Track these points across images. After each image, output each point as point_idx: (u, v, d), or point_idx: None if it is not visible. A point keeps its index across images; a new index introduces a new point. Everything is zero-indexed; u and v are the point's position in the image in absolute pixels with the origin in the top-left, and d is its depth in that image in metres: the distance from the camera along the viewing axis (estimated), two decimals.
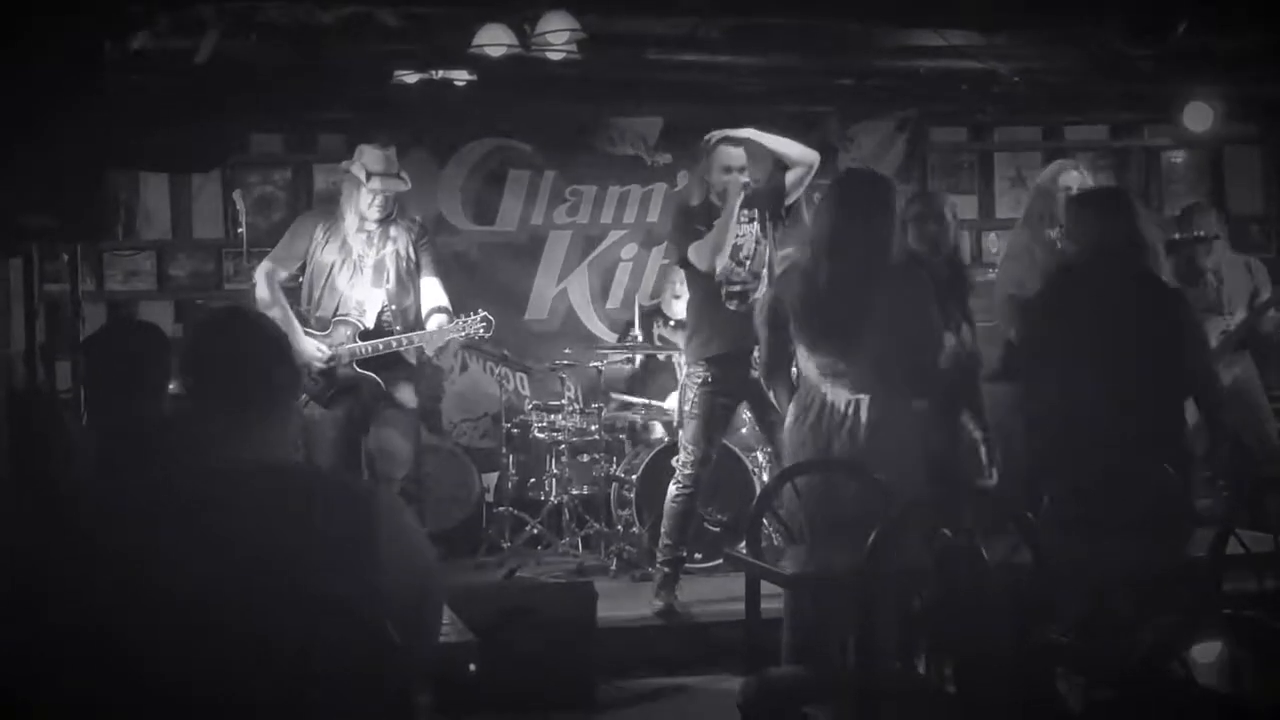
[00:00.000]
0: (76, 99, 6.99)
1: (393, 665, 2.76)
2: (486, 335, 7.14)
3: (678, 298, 8.88)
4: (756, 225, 7.31)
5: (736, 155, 7.28)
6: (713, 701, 6.43)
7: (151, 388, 4.26)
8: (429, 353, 7.16)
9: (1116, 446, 5.11)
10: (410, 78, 8.59)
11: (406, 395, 7.22)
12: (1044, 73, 9.04)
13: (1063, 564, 4.09)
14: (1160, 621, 3.01)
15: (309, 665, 2.67)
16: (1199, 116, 9.59)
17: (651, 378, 9.39)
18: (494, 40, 7.55)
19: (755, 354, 6.71)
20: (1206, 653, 2.89)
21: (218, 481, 2.79)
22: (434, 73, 8.52)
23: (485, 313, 7.11)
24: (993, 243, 10.29)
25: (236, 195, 7.91)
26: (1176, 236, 8.15)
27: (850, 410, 5.49)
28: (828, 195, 5.77)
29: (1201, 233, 8.27)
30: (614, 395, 9.31)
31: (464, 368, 9.94)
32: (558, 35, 7.42)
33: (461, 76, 8.55)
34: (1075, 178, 7.23)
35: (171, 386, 4.33)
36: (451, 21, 7.81)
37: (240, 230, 7.63)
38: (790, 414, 5.73)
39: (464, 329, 7.06)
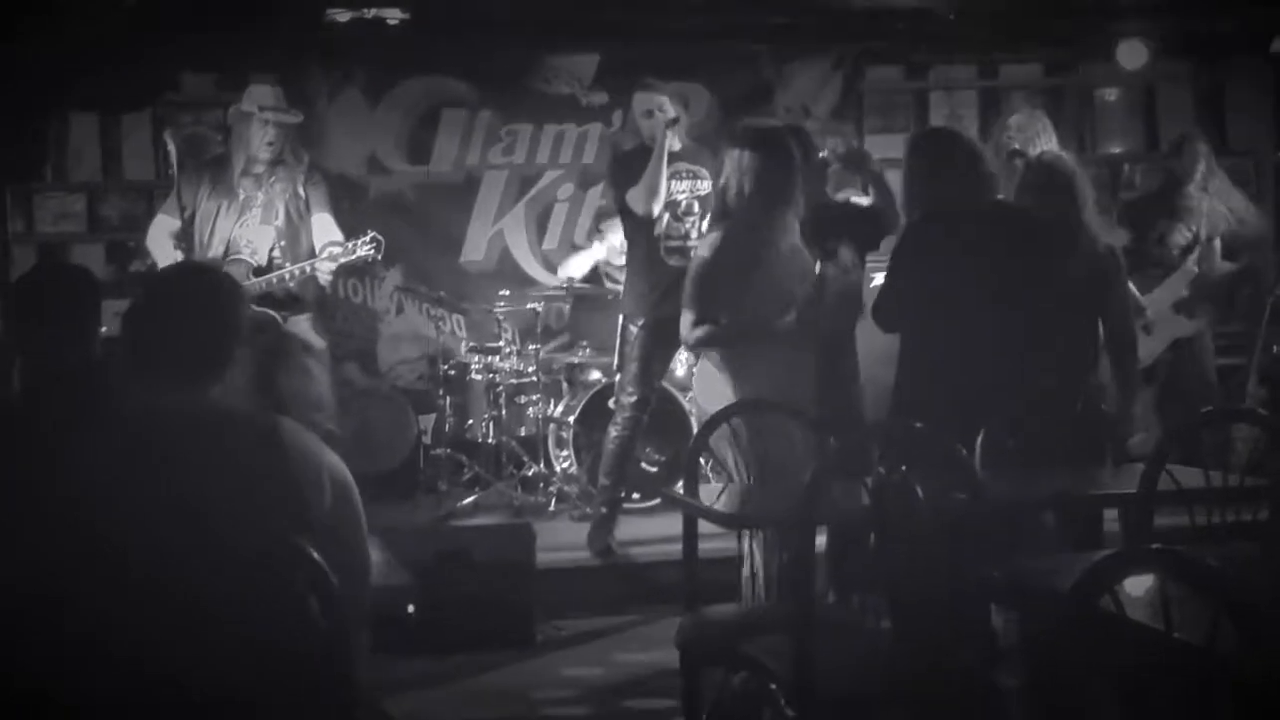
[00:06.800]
0: (2, 40, 6.90)
1: (330, 604, 2.75)
2: (378, 256, 7.04)
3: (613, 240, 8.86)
4: (698, 181, 7.31)
5: (653, 99, 7.30)
6: (651, 640, 6.46)
7: (81, 330, 4.21)
8: (323, 280, 7.05)
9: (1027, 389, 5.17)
10: (342, 16, 8.49)
11: (308, 333, 7.12)
12: (979, 10, 9.04)
13: (996, 499, 4.13)
14: (1092, 556, 3.04)
15: (240, 609, 2.67)
16: (1133, 54, 9.64)
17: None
18: None
19: None
20: (1137, 586, 2.92)
21: (145, 427, 2.78)
22: (366, 11, 8.43)
23: (375, 233, 7.01)
24: None
25: (168, 135, 7.83)
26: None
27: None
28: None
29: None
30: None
31: (400, 310, 9.89)
32: None
33: (394, 15, 8.47)
34: (1017, 119, 7.31)
35: (104, 330, 4.30)
36: None
37: (172, 171, 7.54)
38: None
39: (354, 251, 6.97)
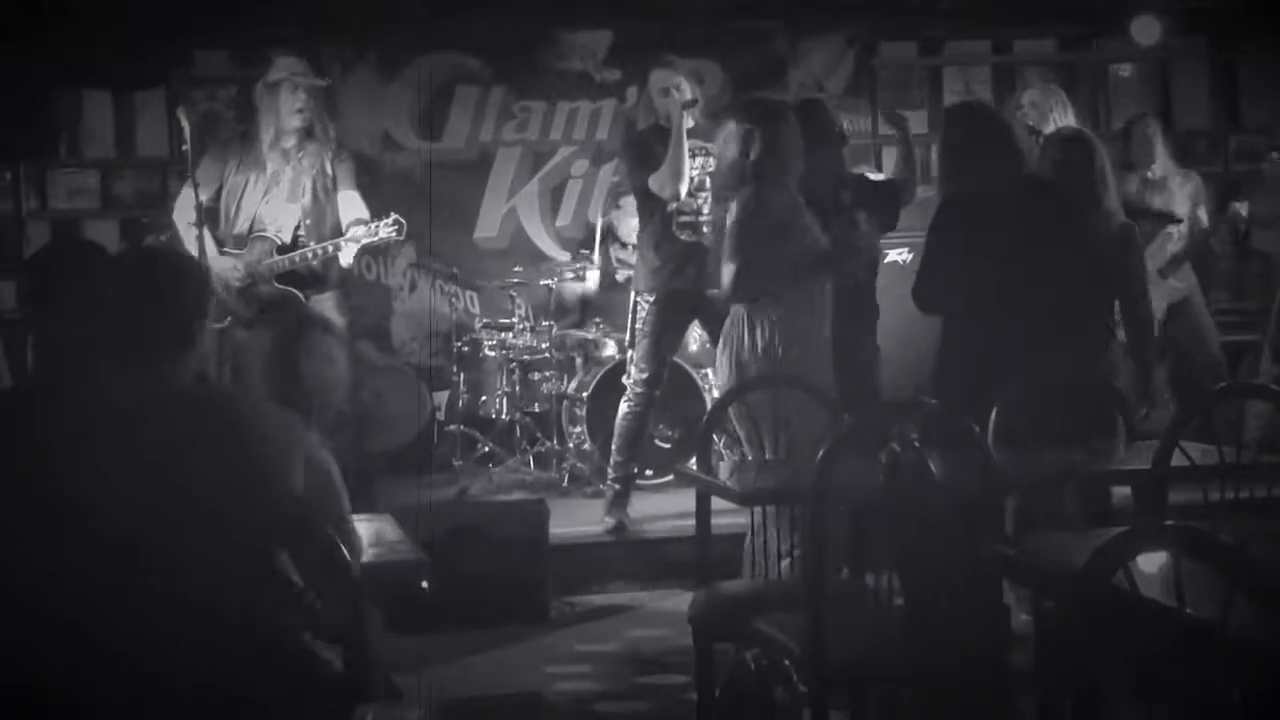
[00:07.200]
0: (15, 17, 6.90)
1: (344, 581, 2.76)
2: (399, 237, 7.07)
3: (632, 216, 8.85)
4: (709, 158, 7.30)
5: (671, 78, 7.27)
6: (664, 615, 6.49)
7: (93, 307, 4.21)
8: (345, 261, 7.06)
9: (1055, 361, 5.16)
10: None
11: (331, 312, 7.13)
12: None
13: (1010, 476, 4.13)
14: (1105, 532, 3.03)
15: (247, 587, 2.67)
16: (1147, 29, 9.61)
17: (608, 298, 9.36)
18: None
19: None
20: (1151, 563, 2.91)
21: (112, 411, 2.78)
22: None
23: (397, 215, 7.03)
24: None
25: (181, 112, 7.81)
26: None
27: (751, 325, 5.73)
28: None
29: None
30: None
31: (413, 286, 9.89)
32: None
33: None
34: (1030, 96, 7.31)
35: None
36: None
37: (185, 148, 7.51)
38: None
39: (376, 232, 6.98)
